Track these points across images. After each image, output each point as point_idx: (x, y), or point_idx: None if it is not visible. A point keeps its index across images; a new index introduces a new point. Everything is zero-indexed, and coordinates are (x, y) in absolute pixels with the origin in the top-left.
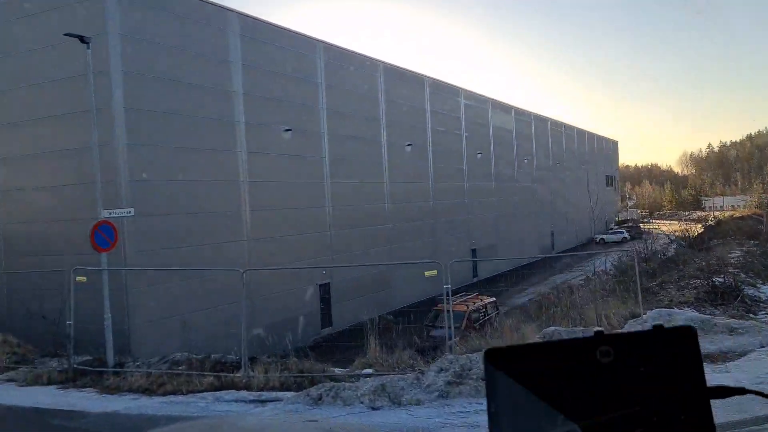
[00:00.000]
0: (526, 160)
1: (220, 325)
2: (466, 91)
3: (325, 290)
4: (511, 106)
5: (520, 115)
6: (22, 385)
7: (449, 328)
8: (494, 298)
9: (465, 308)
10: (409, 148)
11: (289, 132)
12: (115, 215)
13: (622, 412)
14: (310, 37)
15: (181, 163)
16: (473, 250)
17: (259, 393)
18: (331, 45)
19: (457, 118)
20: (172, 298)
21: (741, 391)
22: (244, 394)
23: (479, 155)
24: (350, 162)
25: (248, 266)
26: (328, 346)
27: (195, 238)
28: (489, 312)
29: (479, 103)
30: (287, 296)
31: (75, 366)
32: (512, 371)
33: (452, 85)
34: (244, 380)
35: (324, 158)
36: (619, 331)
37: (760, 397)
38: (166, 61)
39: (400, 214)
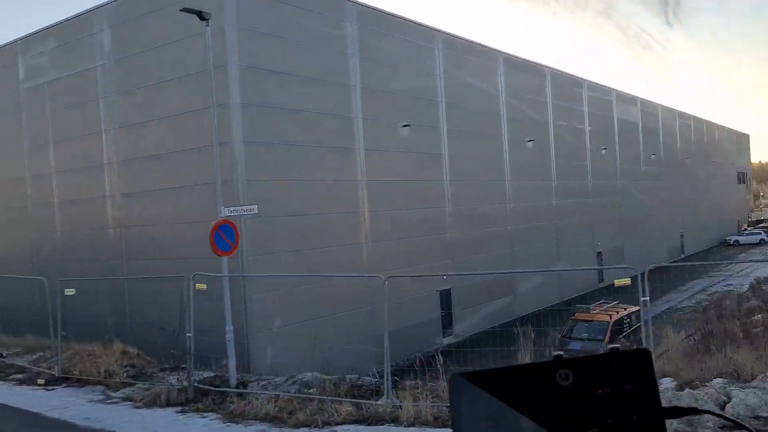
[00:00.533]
0: (653, 156)
1: (344, 335)
2: (589, 82)
3: (445, 296)
4: (636, 97)
5: (646, 106)
6: (138, 406)
7: (648, 337)
8: (637, 307)
9: (608, 318)
10: (530, 144)
11: (407, 128)
12: (236, 213)
13: None
14: (428, 27)
15: (297, 162)
16: (599, 253)
17: (411, 431)
18: (450, 35)
19: (579, 111)
20: (292, 308)
21: (694, 411)
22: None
23: (603, 151)
24: (470, 159)
25: (367, 270)
26: (455, 358)
27: (312, 241)
28: (633, 322)
29: (603, 94)
30: (407, 303)
31: (195, 384)
32: (476, 396)
33: (574, 76)
34: (388, 410)
35: (443, 155)
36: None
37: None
38: (282, 54)
39: (521, 215)
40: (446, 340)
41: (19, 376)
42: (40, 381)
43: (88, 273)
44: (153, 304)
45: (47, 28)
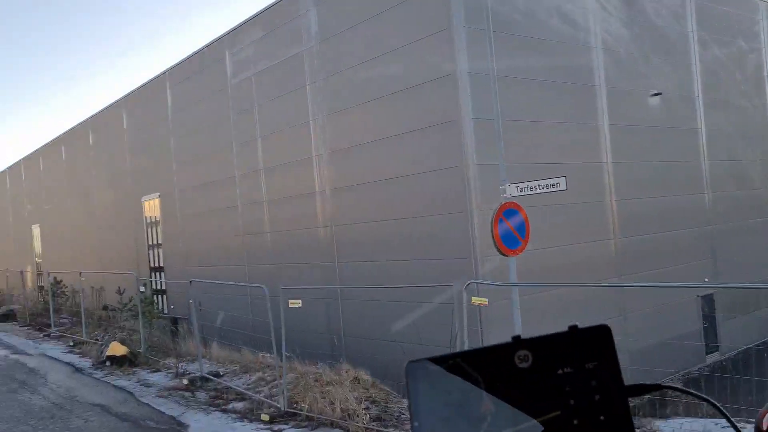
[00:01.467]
0: None
1: None
2: None
3: (708, 304)
4: None
5: None
6: None
7: None
8: None
9: None
10: None
11: (658, 96)
12: (533, 192)
13: (542, 418)
14: None
15: (533, 142)
16: None
17: None
18: None
19: None
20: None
21: (657, 387)
22: None
23: None
24: (730, 134)
25: (616, 273)
26: (722, 382)
27: (556, 237)
28: None
29: None
30: (660, 312)
31: None
32: (433, 383)
33: None
34: None
35: (700, 130)
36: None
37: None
38: (510, 10)
39: None
40: (711, 358)
41: (239, 405)
42: (264, 417)
43: (298, 278)
44: (371, 317)
45: (253, 17)
